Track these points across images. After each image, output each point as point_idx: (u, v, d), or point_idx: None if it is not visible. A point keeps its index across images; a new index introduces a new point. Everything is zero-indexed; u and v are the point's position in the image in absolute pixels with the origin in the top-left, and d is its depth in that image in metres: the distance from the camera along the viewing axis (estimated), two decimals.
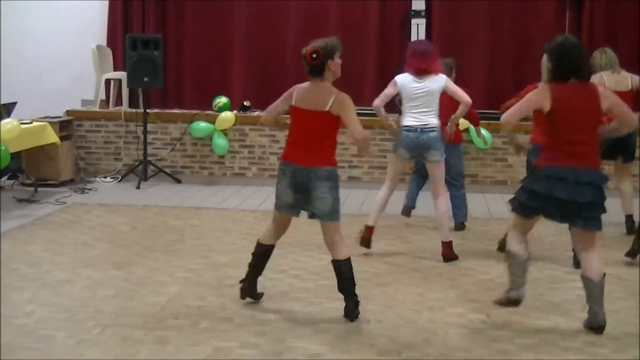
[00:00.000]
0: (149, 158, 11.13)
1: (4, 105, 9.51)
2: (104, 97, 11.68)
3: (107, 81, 11.75)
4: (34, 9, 12.07)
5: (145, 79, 10.77)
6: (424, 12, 11.40)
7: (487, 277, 6.67)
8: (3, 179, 10.61)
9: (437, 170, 7.14)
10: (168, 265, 6.84)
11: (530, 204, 5.29)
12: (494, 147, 10.73)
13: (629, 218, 8.36)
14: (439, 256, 7.22)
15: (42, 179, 10.51)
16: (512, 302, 5.44)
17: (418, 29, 11.20)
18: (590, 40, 10.82)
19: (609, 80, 8.13)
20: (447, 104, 7.37)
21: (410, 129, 7.07)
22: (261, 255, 5.85)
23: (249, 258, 6.92)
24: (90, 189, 10.47)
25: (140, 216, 8.82)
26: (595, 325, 5.33)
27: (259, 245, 5.86)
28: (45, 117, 10.59)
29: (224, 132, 11.12)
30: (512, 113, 5.29)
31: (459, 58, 10.14)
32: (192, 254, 7.30)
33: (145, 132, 11.07)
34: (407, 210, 8.58)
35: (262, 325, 5.42)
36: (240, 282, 5.89)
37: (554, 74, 5.27)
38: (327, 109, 5.42)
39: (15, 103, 9.76)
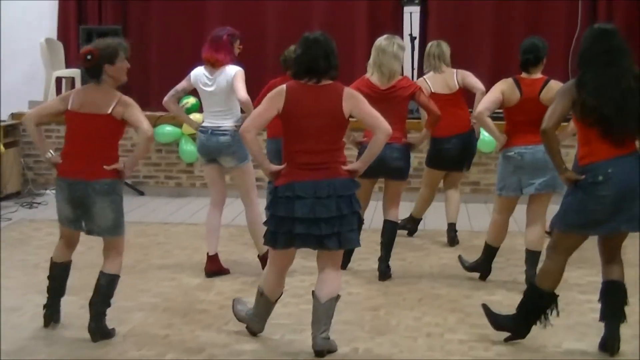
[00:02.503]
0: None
1: None
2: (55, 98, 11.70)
3: (59, 79, 11.76)
4: None
5: None
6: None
7: (492, 299, 6.71)
8: None
9: (240, 177, 7.26)
10: (131, 288, 6.87)
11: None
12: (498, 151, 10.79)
13: (452, 227, 8.62)
14: (437, 275, 7.31)
15: None
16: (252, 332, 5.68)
17: (412, 19, 11.28)
18: None
19: (435, 84, 8.31)
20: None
21: (203, 130, 7.24)
22: (58, 275, 5.90)
23: (224, 280, 6.99)
24: (39, 203, 10.49)
25: None
26: (331, 349, 5.45)
27: (53, 265, 5.91)
28: None
29: (193, 136, 11.15)
30: None
31: (461, 49, 10.28)
32: (159, 275, 7.35)
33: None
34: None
35: (237, 357, 5.46)
36: (44, 307, 5.92)
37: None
38: (109, 111, 5.49)
39: None
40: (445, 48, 8.52)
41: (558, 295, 5.58)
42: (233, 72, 7.11)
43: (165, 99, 7.35)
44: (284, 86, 5.37)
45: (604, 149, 5.26)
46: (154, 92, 12.12)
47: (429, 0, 11.74)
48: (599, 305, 6.39)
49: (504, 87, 6.86)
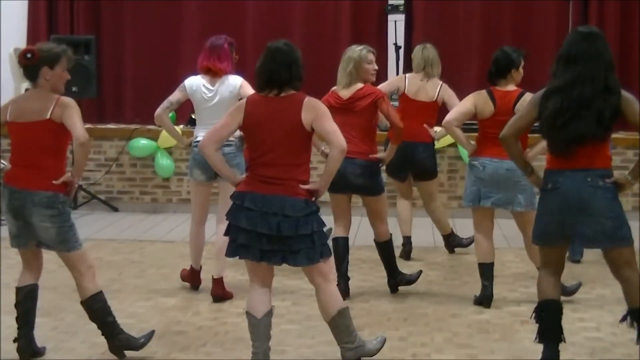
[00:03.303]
0: (79, 182, 11.16)
1: None
2: None
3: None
4: None
5: (74, 89, 10.78)
6: (402, 7, 11.52)
7: (481, 318, 6.77)
8: None
9: (229, 192, 7.21)
10: None
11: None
12: None
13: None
14: (424, 294, 7.33)
15: None
16: None
17: (396, 27, 11.34)
18: None
19: (412, 85, 8.35)
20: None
21: None
22: (25, 301, 5.73)
23: (202, 299, 6.98)
24: None
25: None
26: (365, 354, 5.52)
27: (16, 290, 5.78)
28: None
29: (169, 150, 11.18)
30: None
31: (447, 58, 10.30)
32: (133, 295, 7.35)
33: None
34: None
35: None
36: (14, 341, 5.72)
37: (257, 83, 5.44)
38: (48, 116, 5.48)
39: None
40: (436, 54, 8.59)
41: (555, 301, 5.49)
42: (238, 82, 7.12)
43: (158, 111, 7.26)
44: (244, 100, 5.43)
45: (559, 159, 5.27)
46: (128, 104, 12.17)
47: (414, 8, 11.81)
48: (591, 324, 6.48)
49: (476, 100, 6.92)
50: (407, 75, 8.68)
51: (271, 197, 5.20)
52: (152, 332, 5.90)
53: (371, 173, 7.13)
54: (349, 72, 7.04)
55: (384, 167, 7.64)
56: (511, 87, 6.89)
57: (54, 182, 5.47)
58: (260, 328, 5.40)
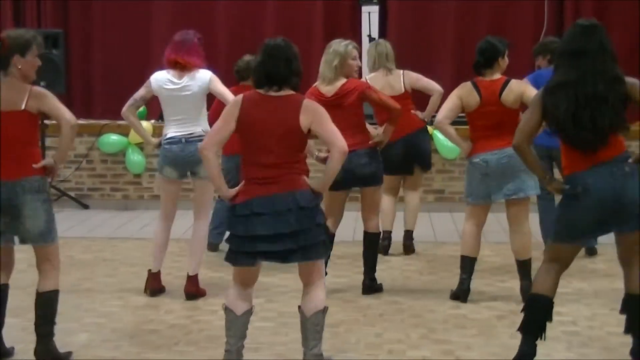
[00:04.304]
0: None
1: None
2: None
3: None
4: None
5: (42, 83, 10.72)
6: None
7: (457, 313, 6.81)
8: None
9: (204, 189, 7.24)
10: (75, 309, 6.86)
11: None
12: (462, 158, 10.90)
13: (408, 234, 8.77)
14: (399, 289, 7.37)
15: None
16: None
17: (370, 19, 11.34)
18: None
19: (376, 84, 8.34)
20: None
21: (173, 140, 7.11)
22: None
23: (175, 297, 6.99)
24: None
25: None
26: None
27: None
28: None
29: (140, 146, 11.15)
30: None
31: (422, 50, 10.38)
32: (105, 294, 7.34)
33: (43, 147, 11.05)
34: None
35: None
36: None
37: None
38: (23, 107, 5.46)
39: None
40: (391, 48, 8.64)
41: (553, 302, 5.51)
42: (207, 76, 7.09)
43: (124, 109, 7.22)
44: (240, 96, 5.38)
45: (579, 158, 5.28)
46: (97, 99, 12.15)
47: (387, 1, 11.82)
48: (568, 318, 6.54)
49: (461, 92, 6.94)
50: (367, 77, 8.64)
51: (280, 195, 5.19)
52: (70, 352, 5.82)
53: (376, 160, 7.20)
54: (334, 67, 7.04)
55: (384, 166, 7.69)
56: (497, 76, 6.93)
57: (34, 166, 5.47)
58: (237, 325, 5.40)
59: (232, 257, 5.35)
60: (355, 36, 11.39)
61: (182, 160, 7.06)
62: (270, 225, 5.18)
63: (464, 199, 7.22)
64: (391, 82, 8.50)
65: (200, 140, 6.64)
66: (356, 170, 6.89)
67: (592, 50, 5.23)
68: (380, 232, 7.53)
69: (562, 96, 5.22)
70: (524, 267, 6.97)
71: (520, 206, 6.98)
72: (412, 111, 8.43)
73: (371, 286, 7.34)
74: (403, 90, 8.49)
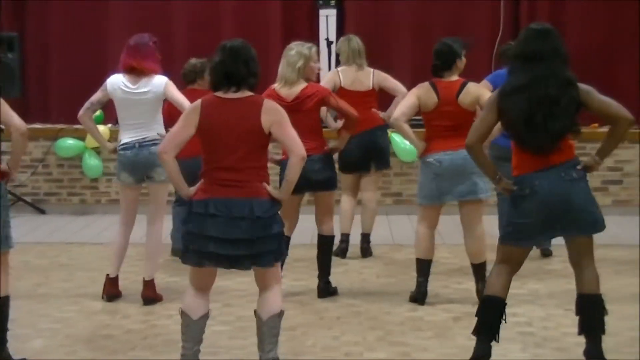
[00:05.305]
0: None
1: None
2: None
3: None
4: None
5: None
6: (334, 1, 11.55)
7: (414, 315, 6.85)
8: None
9: (158, 192, 7.26)
10: (30, 314, 6.84)
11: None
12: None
13: (365, 237, 8.81)
14: (357, 292, 7.41)
15: None
16: None
17: (328, 22, 11.39)
18: None
19: (346, 78, 8.50)
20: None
21: (127, 146, 7.11)
22: None
23: (132, 302, 6.97)
24: None
25: None
26: None
27: None
28: None
29: (97, 150, 11.10)
30: None
31: (380, 53, 10.41)
32: (61, 299, 7.31)
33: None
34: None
35: None
36: None
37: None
38: None
39: None
40: (362, 44, 8.70)
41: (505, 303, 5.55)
42: (163, 82, 7.07)
43: (81, 113, 7.18)
44: (199, 102, 5.39)
45: (529, 160, 5.35)
46: (54, 104, 12.06)
47: (345, 2, 11.87)
48: (523, 319, 6.60)
49: (419, 92, 6.99)
50: (339, 69, 8.75)
51: (237, 201, 5.20)
52: (24, 359, 5.76)
53: (329, 166, 7.24)
54: (297, 69, 7.04)
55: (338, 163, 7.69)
56: (455, 78, 6.99)
57: None
58: (194, 329, 5.41)
59: (182, 254, 5.37)
60: (313, 39, 11.43)
61: (137, 165, 7.06)
62: (222, 229, 5.19)
63: (416, 199, 7.26)
64: (361, 77, 8.57)
65: (154, 145, 6.69)
66: (310, 175, 6.86)
67: (546, 54, 5.31)
68: (334, 235, 7.54)
69: (516, 100, 5.29)
70: (478, 270, 7.03)
71: (473, 208, 7.03)
72: (373, 109, 8.49)
73: (326, 289, 7.36)
74: (371, 87, 8.58)
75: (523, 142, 5.34)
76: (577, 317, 5.57)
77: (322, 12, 11.49)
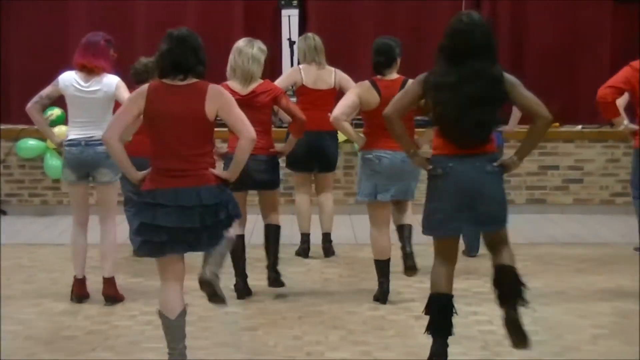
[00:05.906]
0: None
1: None
2: None
3: None
4: None
5: None
6: (296, 2, 11.57)
7: (376, 314, 6.87)
8: None
9: (107, 193, 7.25)
10: None
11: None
12: None
13: (326, 237, 8.84)
14: (319, 292, 7.42)
15: None
16: None
17: (290, 22, 11.40)
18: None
19: (308, 76, 8.54)
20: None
21: (72, 143, 7.12)
22: None
23: (94, 303, 6.94)
24: None
25: None
26: None
27: None
28: None
29: (59, 150, 11.03)
30: None
31: (342, 53, 10.44)
32: (21, 301, 7.26)
33: None
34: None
35: None
36: None
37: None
38: None
39: None
40: (321, 42, 8.71)
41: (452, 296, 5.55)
42: (114, 82, 7.06)
43: (29, 105, 7.17)
44: (145, 86, 5.40)
45: (449, 145, 5.37)
46: (15, 104, 11.91)
47: (307, 2, 11.89)
48: (484, 317, 6.64)
49: (360, 91, 7.02)
50: (301, 66, 8.76)
51: (184, 190, 5.21)
52: None
53: (273, 167, 7.23)
54: (261, 65, 7.09)
55: (284, 161, 7.67)
56: (395, 76, 7.03)
57: None
58: (175, 329, 5.43)
59: (136, 247, 5.40)
60: (276, 39, 11.49)
61: (81, 162, 7.05)
62: (172, 218, 5.20)
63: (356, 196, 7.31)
64: (324, 76, 8.60)
65: (101, 144, 6.63)
66: (253, 175, 6.90)
67: (473, 50, 5.28)
68: (279, 225, 7.48)
69: (445, 96, 5.28)
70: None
71: (401, 208, 7.21)
72: (329, 113, 8.44)
73: (277, 279, 7.34)
74: (333, 86, 8.60)
75: (449, 135, 5.35)
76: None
77: (285, 12, 11.53)
